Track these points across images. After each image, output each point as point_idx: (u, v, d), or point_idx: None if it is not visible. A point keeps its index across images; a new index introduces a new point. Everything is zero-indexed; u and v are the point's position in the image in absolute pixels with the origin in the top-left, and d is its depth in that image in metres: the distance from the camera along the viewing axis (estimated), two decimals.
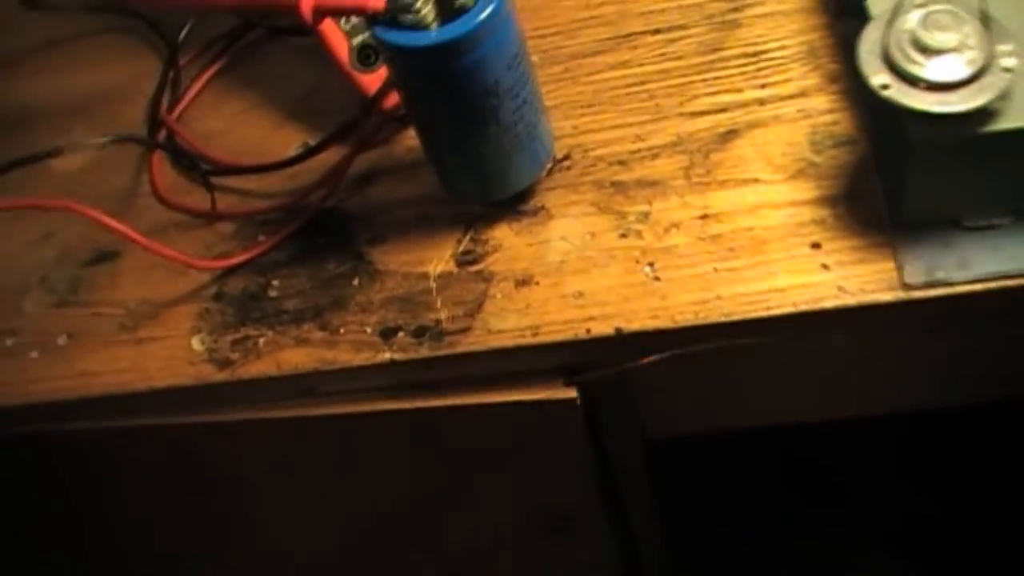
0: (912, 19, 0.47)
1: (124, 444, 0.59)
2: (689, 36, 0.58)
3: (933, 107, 0.45)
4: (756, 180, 0.51)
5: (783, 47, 0.56)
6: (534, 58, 0.58)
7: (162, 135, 0.64)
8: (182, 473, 0.62)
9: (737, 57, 0.56)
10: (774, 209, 0.50)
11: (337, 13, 0.49)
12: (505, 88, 0.47)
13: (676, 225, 0.51)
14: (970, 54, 0.45)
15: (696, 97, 0.55)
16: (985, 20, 0.46)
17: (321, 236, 0.56)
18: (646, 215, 0.51)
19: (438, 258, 0.53)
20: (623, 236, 0.51)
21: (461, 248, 0.53)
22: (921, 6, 0.47)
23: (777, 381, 0.54)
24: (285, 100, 0.64)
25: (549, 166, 0.54)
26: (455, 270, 0.52)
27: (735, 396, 0.54)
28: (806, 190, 0.51)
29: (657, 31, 0.58)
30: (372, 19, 0.46)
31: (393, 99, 0.55)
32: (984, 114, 0.45)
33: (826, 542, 1.02)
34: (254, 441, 0.57)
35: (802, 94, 0.54)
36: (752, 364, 0.52)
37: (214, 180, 0.60)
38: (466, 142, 0.49)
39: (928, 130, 0.46)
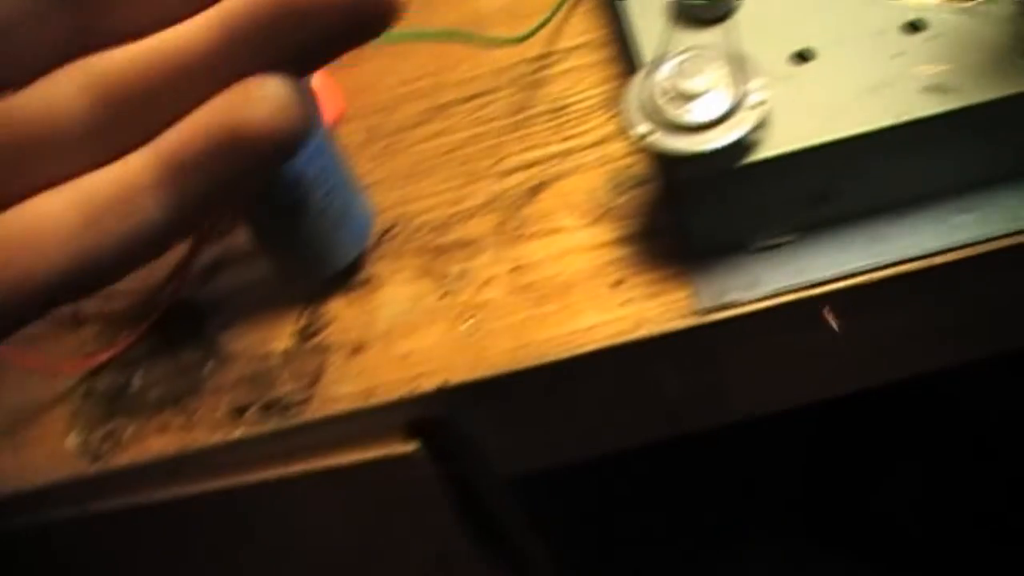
0: (669, 68, 0.51)
1: (23, 545, 0.63)
2: (499, 99, 0.62)
3: (690, 148, 0.49)
4: (562, 229, 0.55)
5: (585, 99, 0.60)
6: (359, 137, 0.62)
7: None
8: (80, 566, 0.65)
9: (544, 114, 0.60)
10: (579, 254, 0.54)
11: None
12: (310, 179, 0.51)
13: (491, 280, 0.55)
14: (723, 93, 0.49)
15: (507, 156, 0.59)
16: (738, 59, 0.50)
17: (175, 327, 0.59)
18: (464, 273, 0.55)
19: (280, 336, 0.57)
20: (444, 296, 0.55)
21: (300, 325, 0.57)
22: (678, 54, 0.51)
23: (613, 409, 0.57)
24: None
25: (373, 240, 0.58)
26: (295, 346, 0.56)
27: (574, 429, 0.58)
28: (608, 232, 0.55)
29: (470, 98, 0.62)
30: None
31: None
32: (744, 146, 0.50)
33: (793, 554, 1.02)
34: (139, 527, 0.61)
35: (602, 142, 0.58)
36: (582, 397, 0.55)
37: None
38: (283, 231, 0.53)
39: (695, 168, 0.50)
